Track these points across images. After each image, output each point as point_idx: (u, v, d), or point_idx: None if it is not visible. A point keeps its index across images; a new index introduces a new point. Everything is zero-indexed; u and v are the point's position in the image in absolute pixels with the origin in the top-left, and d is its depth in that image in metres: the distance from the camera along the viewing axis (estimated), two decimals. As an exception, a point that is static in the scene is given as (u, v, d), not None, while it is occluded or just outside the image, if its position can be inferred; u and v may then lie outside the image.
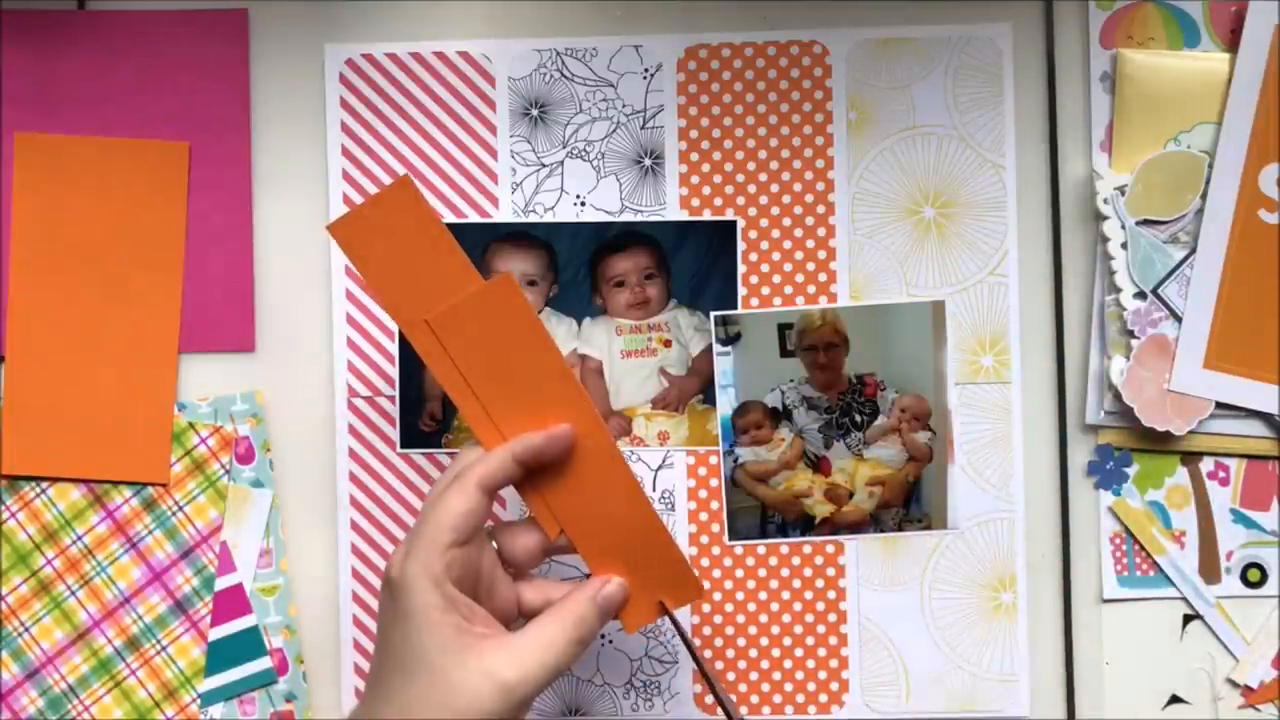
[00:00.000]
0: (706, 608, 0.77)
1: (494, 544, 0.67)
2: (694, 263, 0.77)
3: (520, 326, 0.66)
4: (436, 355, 0.67)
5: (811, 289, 0.76)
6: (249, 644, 0.77)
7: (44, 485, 0.77)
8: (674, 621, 0.69)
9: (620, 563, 0.68)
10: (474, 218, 0.77)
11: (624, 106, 0.77)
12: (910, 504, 0.77)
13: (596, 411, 0.67)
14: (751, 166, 0.76)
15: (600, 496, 0.67)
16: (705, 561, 0.77)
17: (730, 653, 0.77)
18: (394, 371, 0.77)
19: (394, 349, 0.77)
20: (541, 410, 0.67)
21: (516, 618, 0.67)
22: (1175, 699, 0.77)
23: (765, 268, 0.76)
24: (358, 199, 0.77)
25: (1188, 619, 0.77)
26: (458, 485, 0.64)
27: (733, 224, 0.77)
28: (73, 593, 0.76)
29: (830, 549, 0.77)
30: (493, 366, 0.67)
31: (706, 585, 0.77)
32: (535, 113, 0.77)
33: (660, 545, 0.68)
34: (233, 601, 0.77)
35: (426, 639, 0.61)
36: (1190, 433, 0.75)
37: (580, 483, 0.67)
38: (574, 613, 0.65)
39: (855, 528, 0.77)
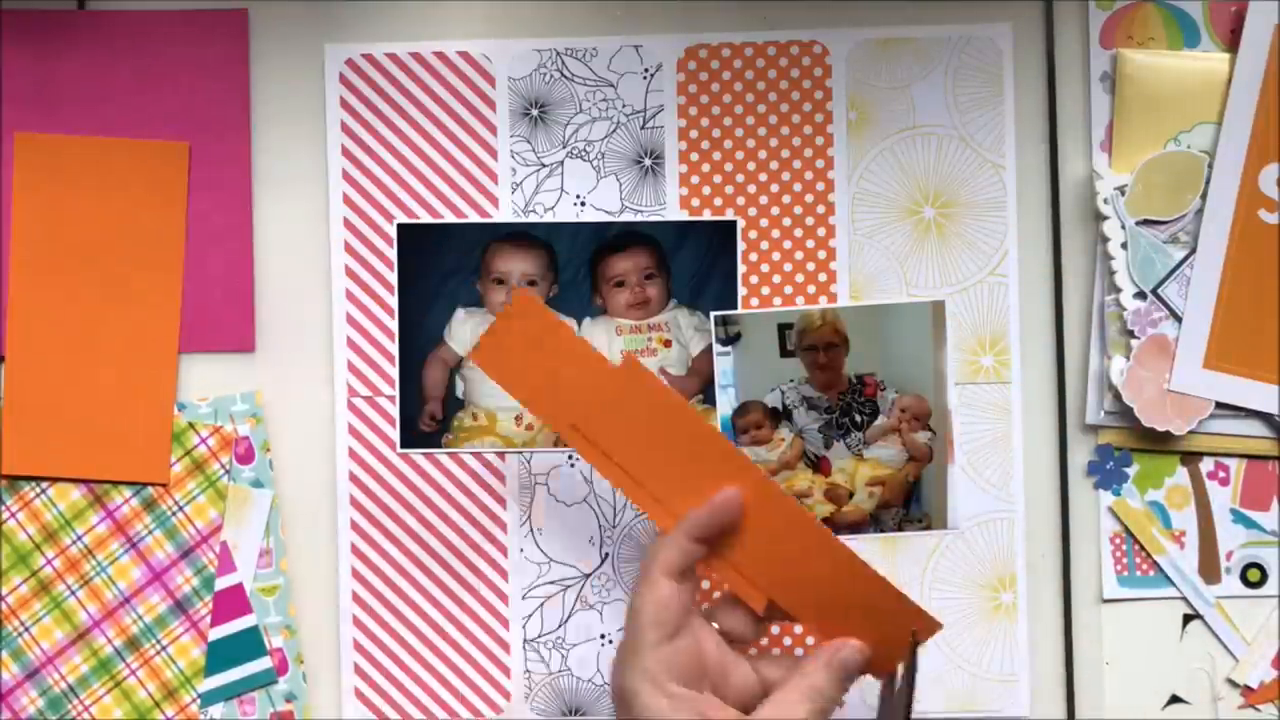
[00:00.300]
0: (706, 607, 0.76)
1: (714, 625, 0.66)
2: (694, 263, 0.77)
3: (656, 400, 0.66)
4: (593, 455, 0.67)
5: (811, 289, 0.76)
6: (249, 644, 0.77)
7: (44, 485, 0.77)
8: (912, 662, 0.64)
9: (842, 618, 0.65)
10: (474, 218, 0.77)
11: (624, 106, 0.77)
12: (910, 504, 0.77)
13: (758, 467, 0.66)
14: (751, 166, 0.76)
15: (793, 553, 0.65)
16: (705, 561, 0.77)
17: (730, 653, 0.76)
18: (394, 371, 0.77)
19: (394, 349, 0.77)
20: (702, 480, 0.65)
21: (763, 697, 0.64)
22: (1175, 699, 0.77)
23: (765, 268, 0.76)
24: (358, 199, 0.77)
25: (1188, 619, 0.77)
26: (645, 581, 0.63)
27: (733, 224, 0.77)
28: (73, 593, 0.76)
29: (830, 549, 0.76)
30: (644, 448, 0.66)
31: (706, 585, 0.76)
32: (535, 113, 0.77)
33: (877, 588, 0.64)
34: (233, 601, 0.77)
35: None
36: (1190, 433, 0.75)
37: (767, 543, 0.65)
38: (809, 684, 0.62)
39: (855, 528, 0.76)
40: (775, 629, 0.73)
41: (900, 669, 0.65)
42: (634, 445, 0.66)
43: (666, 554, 0.64)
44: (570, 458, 0.77)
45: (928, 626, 0.65)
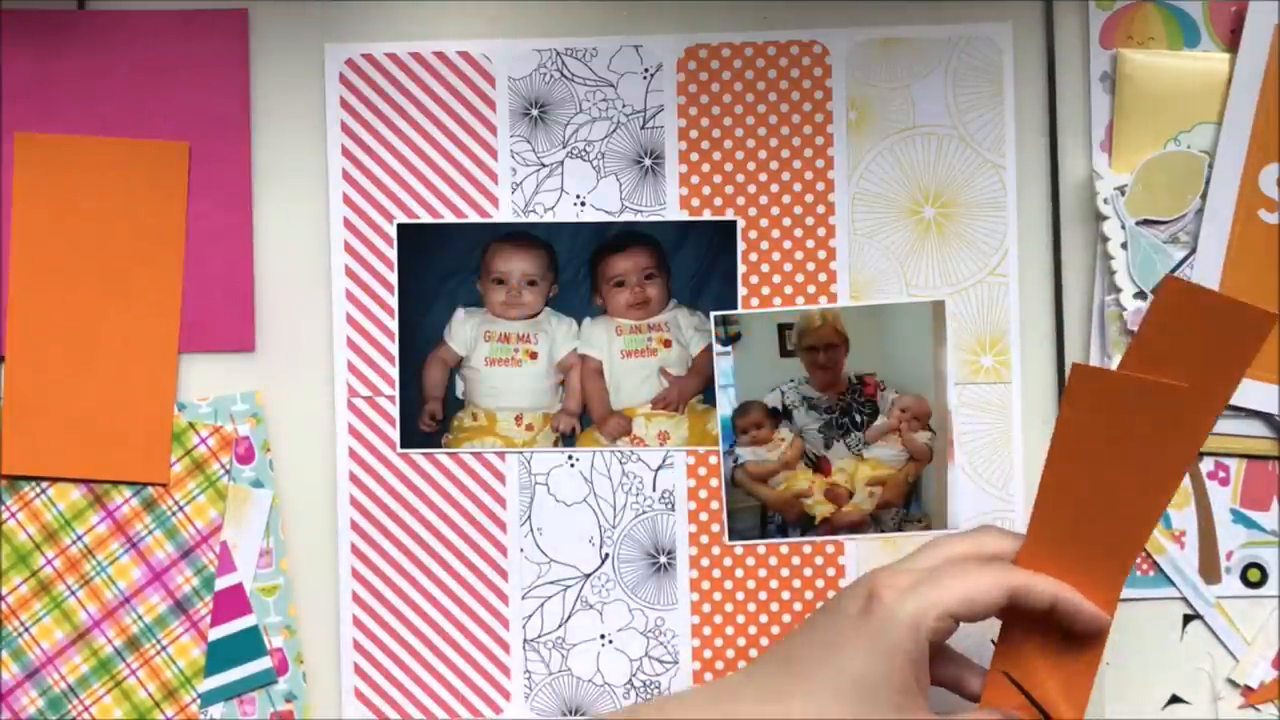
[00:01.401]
0: (706, 607, 0.77)
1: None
2: (694, 263, 0.77)
3: (1150, 450, 0.62)
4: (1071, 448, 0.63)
5: (811, 289, 0.76)
6: (249, 644, 0.77)
7: (44, 485, 0.77)
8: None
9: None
10: (474, 218, 0.77)
11: (624, 106, 0.77)
12: (910, 504, 0.77)
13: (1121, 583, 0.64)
14: (751, 166, 0.76)
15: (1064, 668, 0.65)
16: (705, 561, 0.77)
17: (730, 653, 0.77)
18: (394, 371, 0.77)
19: (394, 349, 0.77)
20: (1094, 566, 0.63)
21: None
22: (1175, 699, 0.77)
23: (765, 268, 0.76)
24: (358, 199, 0.77)
25: (1188, 619, 0.77)
26: (996, 576, 0.62)
27: (733, 224, 0.77)
28: (73, 593, 0.76)
29: (830, 549, 0.77)
30: (1088, 466, 0.63)
31: (706, 585, 0.77)
32: (535, 113, 0.77)
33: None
34: (233, 601, 0.77)
35: (879, 676, 0.61)
36: (1190, 433, 0.75)
37: (1059, 650, 0.65)
38: None
39: (855, 528, 0.77)
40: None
41: None
42: (1106, 462, 0.63)
43: (1030, 589, 0.62)
44: (570, 458, 0.77)
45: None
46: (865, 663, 0.61)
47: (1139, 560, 0.76)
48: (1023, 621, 0.65)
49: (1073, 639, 0.65)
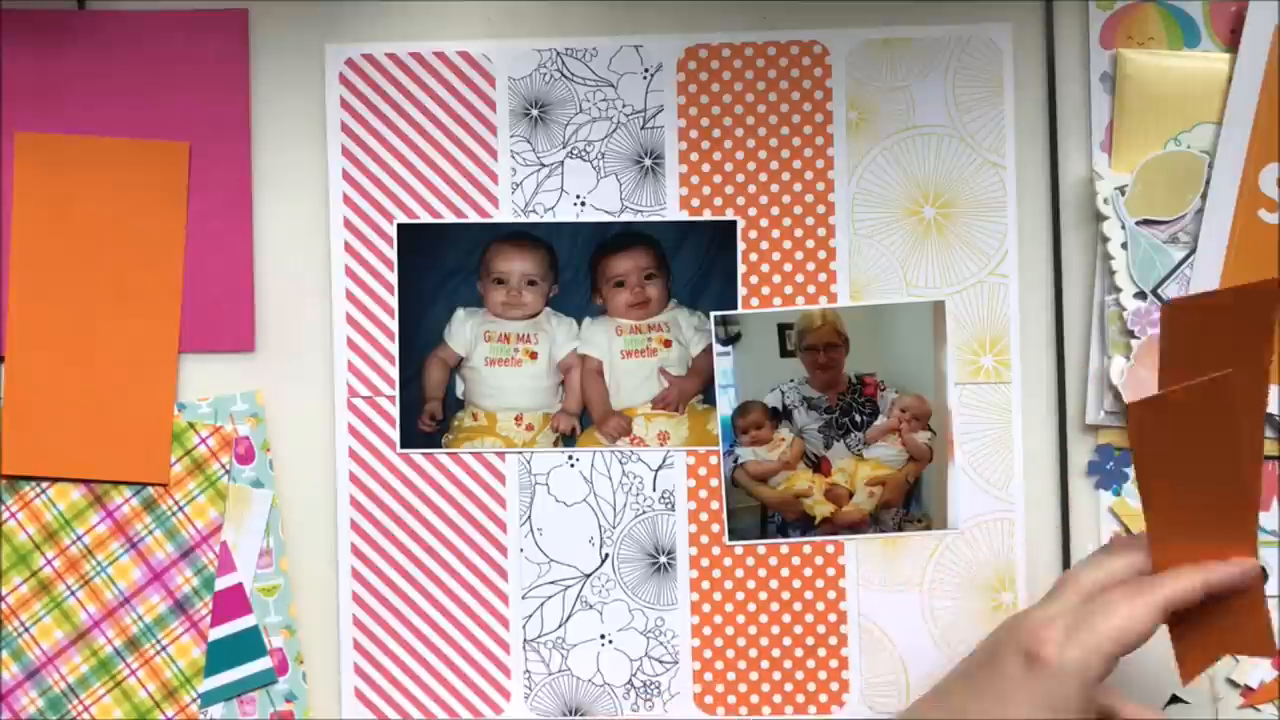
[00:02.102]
0: (707, 607, 0.77)
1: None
2: (694, 263, 0.77)
3: (1216, 438, 0.63)
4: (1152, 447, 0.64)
5: (811, 289, 0.76)
6: (249, 644, 0.77)
7: (44, 485, 0.77)
8: None
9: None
10: (474, 218, 0.77)
11: (624, 106, 0.77)
12: (910, 504, 0.77)
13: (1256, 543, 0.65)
14: (751, 166, 0.76)
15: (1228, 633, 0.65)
16: (705, 561, 0.77)
17: (730, 653, 0.77)
18: (394, 371, 0.77)
19: (394, 349, 0.77)
20: (1221, 533, 0.64)
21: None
22: (1175, 699, 0.77)
23: (765, 268, 0.76)
24: (358, 199, 0.77)
25: (1188, 619, 0.77)
26: (1144, 600, 0.62)
27: (733, 224, 0.77)
28: (73, 593, 0.76)
29: (830, 549, 0.77)
30: (1179, 472, 0.63)
31: (706, 585, 0.77)
32: (535, 113, 0.77)
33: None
34: (233, 601, 0.77)
35: None
36: (1190, 433, 0.75)
37: (1221, 617, 0.65)
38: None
39: (855, 528, 0.77)
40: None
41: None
42: (1181, 463, 0.63)
43: (1177, 591, 0.63)
44: (570, 458, 0.77)
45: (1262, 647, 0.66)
46: (1017, 706, 0.62)
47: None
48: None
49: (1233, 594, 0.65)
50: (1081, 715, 0.62)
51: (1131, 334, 0.75)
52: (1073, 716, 0.62)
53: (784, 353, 0.77)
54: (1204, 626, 0.65)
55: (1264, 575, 0.64)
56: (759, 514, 0.77)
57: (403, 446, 0.77)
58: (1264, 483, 0.76)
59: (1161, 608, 0.62)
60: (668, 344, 0.77)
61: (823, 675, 0.76)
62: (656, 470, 0.77)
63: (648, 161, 0.77)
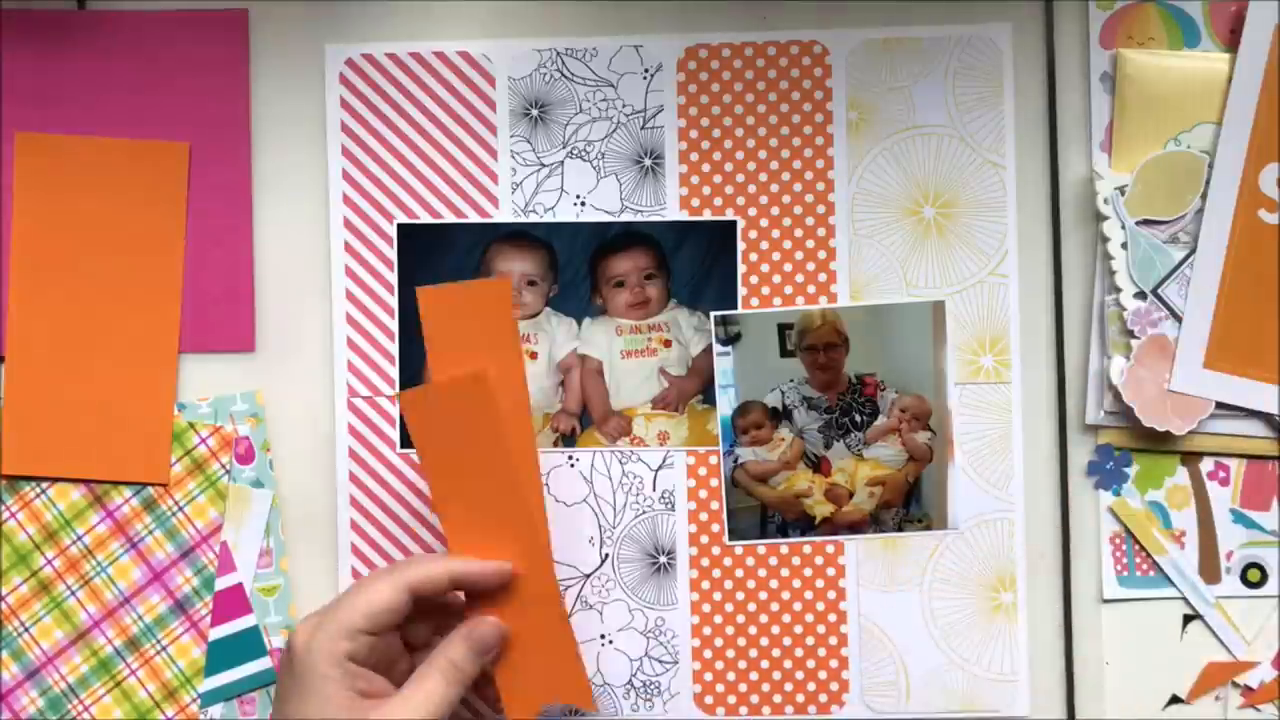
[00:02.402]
0: (707, 607, 0.77)
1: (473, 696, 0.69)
2: (694, 263, 0.77)
3: (485, 431, 0.67)
4: (419, 435, 0.67)
5: (811, 289, 0.76)
6: (249, 644, 0.77)
7: (44, 485, 0.77)
8: None
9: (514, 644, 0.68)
10: (474, 218, 0.77)
11: (624, 106, 0.77)
12: (910, 504, 0.77)
13: (547, 544, 0.68)
14: (751, 166, 0.76)
15: (523, 625, 0.68)
16: (705, 561, 0.77)
17: (730, 653, 0.77)
18: (394, 371, 0.77)
19: (394, 349, 0.77)
20: (498, 528, 0.67)
21: None
22: (1175, 699, 0.77)
23: (765, 268, 0.76)
24: (358, 199, 0.77)
25: (1188, 619, 0.77)
26: (389, 579, 0.65)
27: (733, 224, 0.77)
28: (73, 593, 0.76)
29: (830, 549, 0.77)
30: (457, 467, 0.67)
31: (706, 585, 0.77)
32: (535, 113, 0.77)
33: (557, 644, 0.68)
34: (233, 601, 0.77)
35: (320, 710, 0.63)
36: (1190, 433, 0.75)
37: (509, 604, 0.68)
38: (446, 657, 0.66)
39: (855, 528, 0.77)
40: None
41: None
42: (449, 454, 0.67)
43: (422, 574, 0.65)
44: (570, 458, 0.77)
45: (579, 697, 0.69)
46: (299, 709, 0.63)
47: (1139, 561, 0.76)
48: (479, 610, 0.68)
49: (532, 614, 0.67)
50: (335, 687, 0.63)
51: (1131, 334, 0.75)
52: (331, 696, 0.63)
53: (784, 353, 0.77)
54: (526, 671, 0.68)
55: (562, 616, 0.68)
56: (759, 514, 0.77)
57: (403, 446, 0.77)
58: (1263, 482, 0.76)
59: (404, 586, 0.65)
60: (668, 344, 0.77)
61: (823, 675, 0.76)
62: (656, 470, 0.77)
63: (648, 161, 0.77)
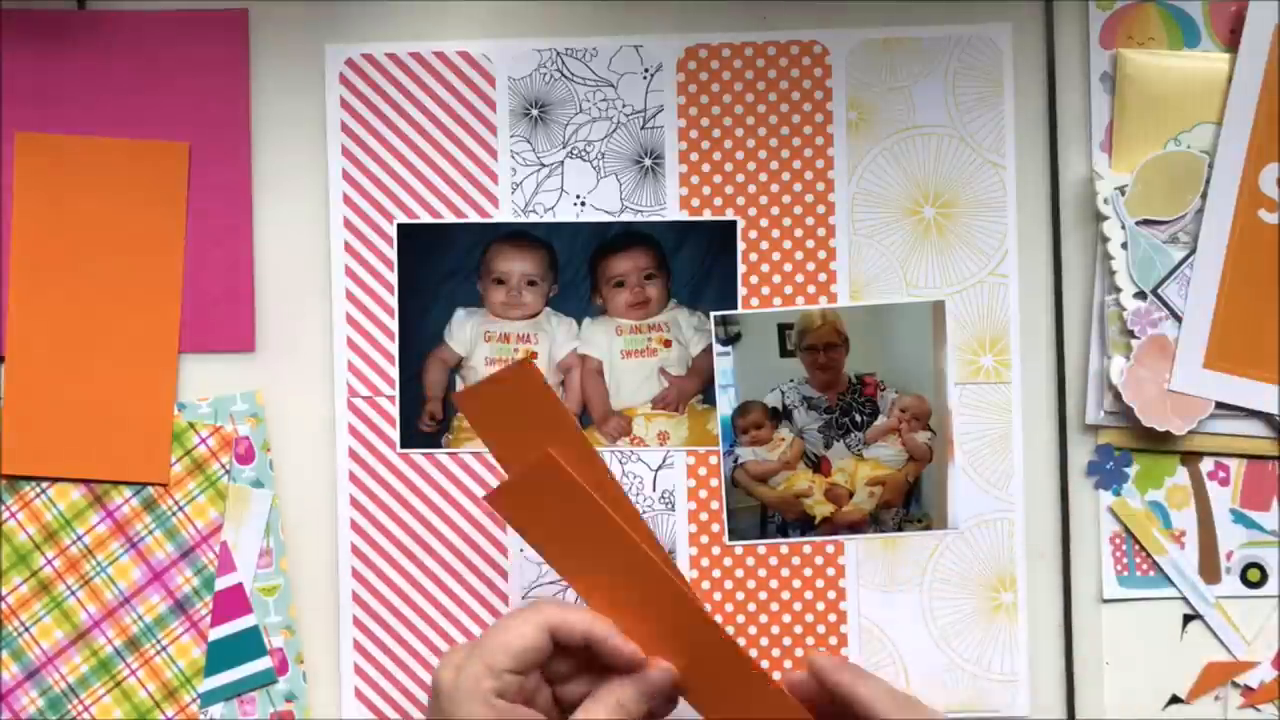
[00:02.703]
0: (707, 607, 0.77)
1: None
2: (694, 263, 0.77)
3: (580, 506, 0.65)
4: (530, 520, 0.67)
5: (811, 289, 0.76)
6: (249, 644, 0.77)
7: (44, 485, 0.77)
8: None
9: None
10: (474, 218, 0.77)
11: (624, 106, 0.77)
12: (910, 504, 0.77)
13: (691, 596, 0.66)
14: (751, 166, 0.76)
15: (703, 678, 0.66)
16: (705, 561, 0.77)
17: (730, 653, 0.76)
18: (394, 371, 0.77)
19: (394, 349, 0.77)
20: (640, 591, 0.66)
21: None
22: (1175, 699, 0.77)
23: (765, 268, 0.76)
24: (358, 199, 0.77)
25: (1188, 619, 0.77)
26: (533, 618, 0.64)
27: (733, 224, 0.77)
28: (73, 593, 0.76)
29: (830, 549, 0.77)
30: (570, 548, 0.66)
31: (706, 585, 0.77)
32: (535, 113, 0.77)
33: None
34: (233, 601, 0.77)
35: None
36: (1190, 433, 0.75)
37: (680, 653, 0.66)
38: (615, 697, 0.65)
39: (855, 528, 0.77)
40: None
41: None
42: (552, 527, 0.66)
43: (564, 619, 0.64)
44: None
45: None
46: None
47: (1139, 560, 0.76)
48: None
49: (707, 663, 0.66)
50: None
51: (1131, 334, 0.75)
52: None
53: (784, 353, 0.77)
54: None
55: (768, 676, 0.65)
56: (759, 514, 0.77)
57: (403, 446, 0.77)
58: (1263, 482, 0.76)
59: (543, 625, 0.64)
60: (668, 344, 0.77)
61: (823, 675, 0.76)
62: (656, 470, 0.77)
63: (648, 161, 0.77)
